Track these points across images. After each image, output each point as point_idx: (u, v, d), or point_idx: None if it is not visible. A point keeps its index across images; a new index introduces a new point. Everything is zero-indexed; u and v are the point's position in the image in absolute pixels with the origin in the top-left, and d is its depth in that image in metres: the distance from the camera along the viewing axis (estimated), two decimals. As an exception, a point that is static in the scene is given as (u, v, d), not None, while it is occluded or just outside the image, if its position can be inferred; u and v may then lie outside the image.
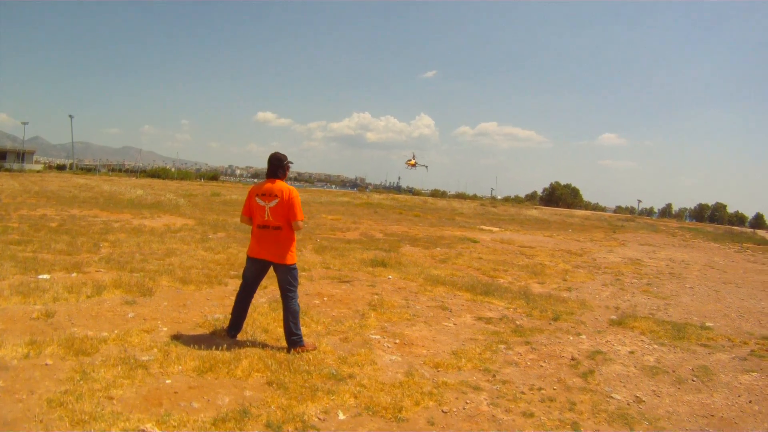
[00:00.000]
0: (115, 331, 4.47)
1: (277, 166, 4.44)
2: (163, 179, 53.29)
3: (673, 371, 4.82)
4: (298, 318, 4.40)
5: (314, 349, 4.42)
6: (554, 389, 4.16)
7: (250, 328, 4.81)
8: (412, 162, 63.16)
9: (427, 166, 64.42)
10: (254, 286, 4.62)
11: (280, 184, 4.40)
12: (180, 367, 3.81)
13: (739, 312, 7.73)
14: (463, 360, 4.60)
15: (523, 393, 4.01)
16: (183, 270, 7.21)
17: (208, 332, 4.72)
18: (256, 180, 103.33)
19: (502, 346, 5.16)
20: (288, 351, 4.31)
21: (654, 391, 4.34)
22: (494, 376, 4.32)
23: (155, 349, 4.11)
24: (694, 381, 4.63)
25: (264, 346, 4.43)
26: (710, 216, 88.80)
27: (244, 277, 4.60)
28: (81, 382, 3.39)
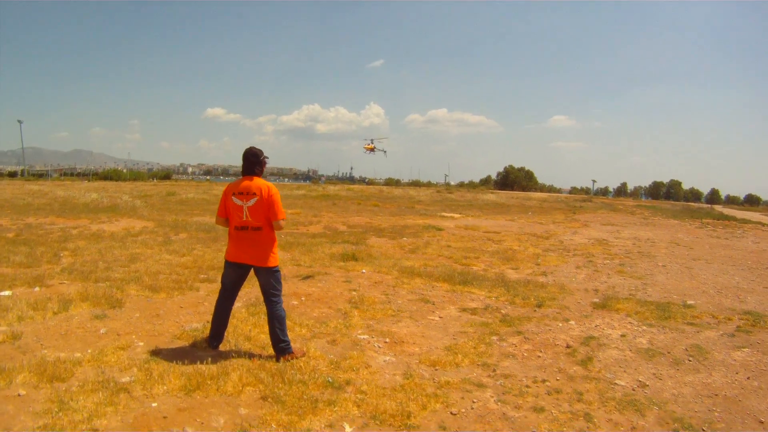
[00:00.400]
0: (89, 351, 4.21)
1: (254, 161, 4.24)
2: (116, 181, 53.59)
3: (668, 352, 4.98)
4: (284, 324, 4.24)
5: (303, 355, 4.28)
6: (558, 380, 4.19)
7: (231, 337, 4.62)
8: (371, 146, 63.11)
9: (385, 152, 64.15)
10: (234, 293, 4.42)
11: (258, 182, 4.21)
12: (165, 387, 3.59)
13: (716, 288, 8.10)
14: (459, 356, 4.57)
15: (528, 387, 4.02)
16: (150, 276, 6.98)
17: (188, 344, 4.50)
18: (208, 177, 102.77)
19: (495, 337, 5.18)
20: (277, 359, 4.15)
21: (654, 374, 4.45)
22: (494, 370, 4.32)
23: (135, 369, 3.87)
24: (690, 361, 4.78)
25: (250, 355, 4.25)
26: (666, 193, 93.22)
27: (223, 283, 4.39)
28: (60, 414, 3.12)
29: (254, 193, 4.13)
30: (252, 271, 4.32)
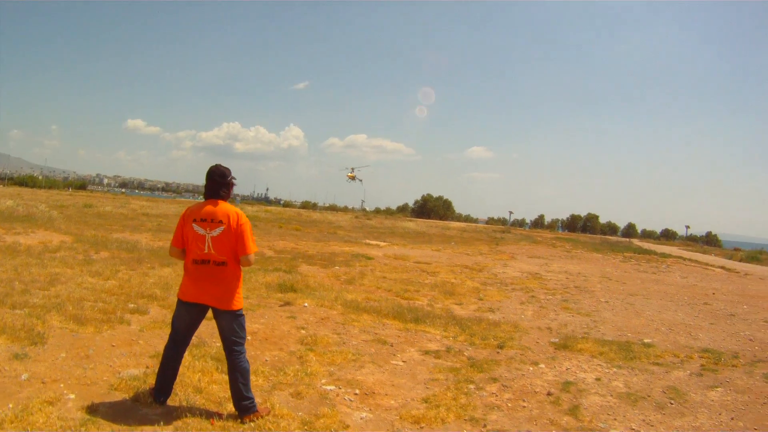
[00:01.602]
0: (10, 405, 3.53)
1: (220, 183, 3.80)
2: (32, 188, 53.54)
3: (648, 395, 5.07)
4: (248, 378, 3.80)
5: (269, 413, 3.83)
6: (554, 433, 4.10)
7: (179, 389, 4.06)
8: (352, 175, 68.54)
9: (361, 180, 70.71)
10: (188, 338, 3.92)
11: (225, 207, 3.78)
12: (108, 465, 3.02)
13: (665, 325, 8.56)
14: (442, 409, 4.35)
15: (527, 443, 3.89)
16: (74, 304, 6.34)
17: (128, 398, 3.91)
18: (123, 190, 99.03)
19: (472, 386, 5.02)
20: (240, 419, 3.69)
21: (644, 420, 4.50)
22: (485, 426, 4.14)
23: (70, 434, 3.25)
24: (672, 404, 4.90)
25: (207, 414, 3.74)
26: (582, 226, 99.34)
27: (175, 326, 3.87)
28: None
29: (220, 221, 3.70)
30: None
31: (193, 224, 3.73)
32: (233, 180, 3.89)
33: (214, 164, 3.86)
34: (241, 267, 3.85)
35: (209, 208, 3.76)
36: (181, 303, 3.83)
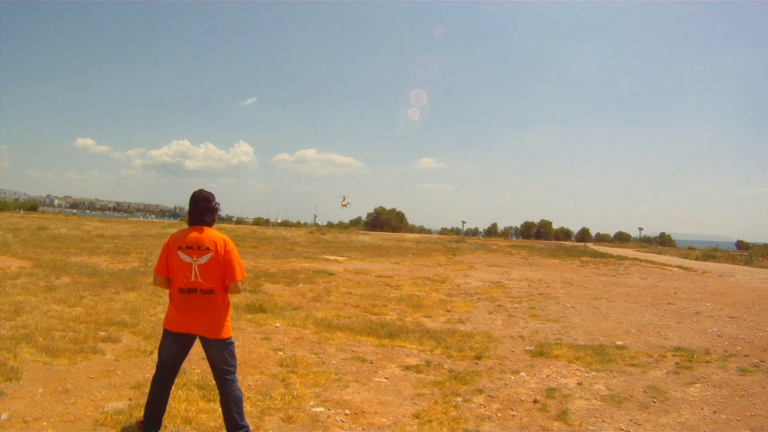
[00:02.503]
0: (-3, 451, 3.39)
1: (205, 208, 3.77)
2: None
3: (631, 396, 5.31)
4: (242, 406, 3.76)
5: (264, 441, 3.83)
6: (548, 440, 4.24)
7: (168, 421, 3.99)
8: (345, 203, 74.20)
9: (349, 204, 75.72)
10: (176, 369, 3.84)
11: (211, 233, 3.75)
12: None
13: (634, 327, 8.92)
14: (435, 424, 4.44)
15: (525, 451, 4.00)
16: (43, 334, 6.27)
17: None
18: (75, 211, 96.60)
19: (458, 398, 5.13)
20: None
21: (631, 420, 4.71)
22: (480, 437, 4.24)
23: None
24: (655, 403, 5.15)
25: (200, 446, 3.70)
26: (536, 233, 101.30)
27: (162, 358, 3.79)
28: None
29: (207, 248, 3.67)
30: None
31: (179, 252, 3.69)
32: (217, 205, 3.87)
33: (197, 189, 3.83)
34: (229, 294, 3.83)
35: (195, 234, 3.72)
36: (167, 333, 3.77)
